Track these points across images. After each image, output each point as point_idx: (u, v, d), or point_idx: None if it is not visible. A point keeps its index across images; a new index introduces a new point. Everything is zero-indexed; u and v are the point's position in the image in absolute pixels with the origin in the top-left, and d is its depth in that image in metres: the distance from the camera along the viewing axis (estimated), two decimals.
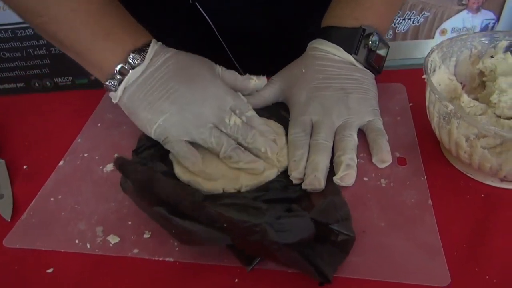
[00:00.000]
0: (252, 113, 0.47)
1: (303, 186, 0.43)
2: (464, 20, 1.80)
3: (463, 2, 1.75)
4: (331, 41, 0.51)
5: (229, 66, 0.51)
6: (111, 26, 0.45)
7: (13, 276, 0.39)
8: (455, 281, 0.35)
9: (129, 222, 0.42)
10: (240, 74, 0.63)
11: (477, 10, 1.78)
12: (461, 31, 1.84)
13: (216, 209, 0.34)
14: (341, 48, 0.51)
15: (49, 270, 0.39)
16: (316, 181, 0.42)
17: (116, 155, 0.50)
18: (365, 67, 0.52)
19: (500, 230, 0.39)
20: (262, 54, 0.65)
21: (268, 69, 0.56)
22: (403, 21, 1.81)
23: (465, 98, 0.44)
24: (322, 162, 0.43)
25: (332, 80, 0.50)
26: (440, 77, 0.47)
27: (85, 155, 0.50)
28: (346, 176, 0.43)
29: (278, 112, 0.53)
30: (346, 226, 0.38)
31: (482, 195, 0.42)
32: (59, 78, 2.13)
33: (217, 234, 0.35)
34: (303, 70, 0.51)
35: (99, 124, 0.55)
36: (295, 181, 0.44)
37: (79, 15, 0.43)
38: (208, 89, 0.45)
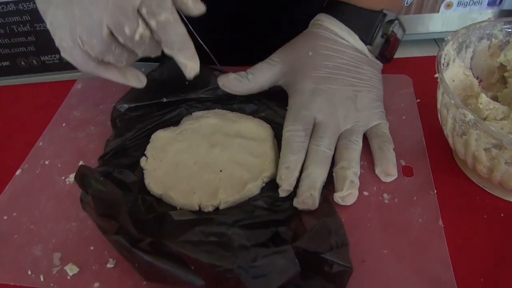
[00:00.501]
0: (166, 16, 0.30)
1: (295, 204, 0.37)
2: None
3: None
4: (344, 21, 0.44)
5: (202, 57, 0.42)
6: None
7: None
8: None
9: (91, 248, 0.36)
10: (215, 65, 0.54)
11: None
12: (467, 4, 1.74)
13: (182, 250, 0.28)
14: (356, 36, 0.43)
15: None
16: (311, 200, 0.36)
17: (81, 162, 0.43)
18: (375, 57, 0.45)
19: None
20: (239, 43, 0.57)
21: (246, 61, 0.48)
22: None
23: (483, 98, 0.38)
24: (320, 178, 0.37)
25: (341, 71, 0.43)
26: (454, 72, 0.40)
27: (46, 162, 0.44)
28: (349, 196, 0.37)
29: (267, 105, 0.47)
30: (342, 254, 0.32)
31: (502, 215, 0.36)
32: (46, 56, 2.04)
33: (187, 274, 0.29)
34: (310, 53, 0.44)
35: (63, 124, 0.48)
36: (282, 194, 0.38)
37: None
38: None
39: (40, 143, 0.46)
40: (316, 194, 0.36)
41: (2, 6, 1.85)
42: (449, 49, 0.38)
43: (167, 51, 0.32)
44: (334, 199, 0.37)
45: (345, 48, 0.43)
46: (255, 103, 0.47)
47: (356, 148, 0.39)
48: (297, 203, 0.37)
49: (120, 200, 0.33)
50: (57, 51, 0.60)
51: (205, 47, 0.53)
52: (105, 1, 0.30)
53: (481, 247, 0.34)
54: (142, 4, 0.30)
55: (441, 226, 0.35)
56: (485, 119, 0.38)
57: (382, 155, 0.39)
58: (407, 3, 1.75)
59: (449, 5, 1.74)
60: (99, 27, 0.31)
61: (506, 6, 1.75)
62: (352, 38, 0.43)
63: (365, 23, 0.43)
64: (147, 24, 0.31)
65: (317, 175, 0.37)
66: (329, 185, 0.39)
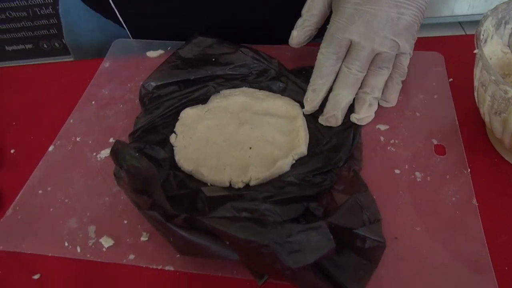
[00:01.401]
0: None
1: (320, 120, 0.42)
2: None
3: None
4: None
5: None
6: None
7: None
8: None
9: (125, 221, 0.37)
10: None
11: None
12: None
13: (217, 225, 0.28)
14: None
15: (36, 276, 0.34)
16: (334, 119, 0.42)
17: (111, 139, 0.44)
18: None
19: None
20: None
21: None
22: None
23: None
24: (346, 99, 0.41)
25: None
26: (492, 49, 0.39)
27: (77, 139, 0.45)
28: (365, 118, 0.42)
29: (295, 83, 0.46)
30: (375, 230, 0.32)
31: None
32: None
33: (221, 248, 0.29)
34: None
35: (93, 102, 0.49)
36: (306, 113, 0.43)
37: None
38: None
39: (71, 121, 0.47)
40: (339, 115, 0.41)
41: None
42: (488, 25, 0.37)
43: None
44: (351, 119, 0.42)
45: None
46: (283, 81, 0.47)
47: (384, 74, 0.41)
48: (322, 120, 0.42)
49: (154, 176, 0.33)
50: (77, 34, 0.59)
51: (121, 20, 0.55)
52: None
53: None
54: None
55: (475, 205, 0.35)
56: None
57: (390, 86, 0.43)
58: None
59: None
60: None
61: None
62: None
63: None
64: None
65: (343, 97, 0.41)
66: (358, 162, 0.39)
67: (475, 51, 0.34)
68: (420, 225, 0.34)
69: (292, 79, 0.47)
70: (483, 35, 0.37)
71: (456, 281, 0.31)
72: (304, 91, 0.44)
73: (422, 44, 0.50)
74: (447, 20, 1.76)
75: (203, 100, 0.46)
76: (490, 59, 0.39)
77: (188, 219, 0.29)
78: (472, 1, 1.72)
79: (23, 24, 1.84)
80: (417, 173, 0.38)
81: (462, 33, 1.80)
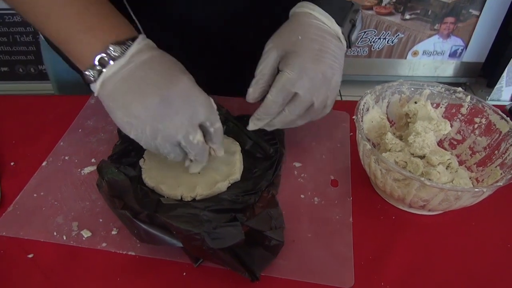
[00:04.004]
0: (218, 125, 0.48)
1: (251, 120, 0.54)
2: (435, 44, 1.92)
3: (435, 27, 1.88)
4: (323, 8, 0.51)
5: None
6: (93, 18, 0.44)
7: None
8: (357, 284, 0.44)
9: (100, 220, 0.50)
10: None
11: (448, 36, 1.90)
12: (431, 54, 1.96)
13: (168, 220, 0.42)
14: (333, 20, 0.51)
15: (30, 255, 0.46)
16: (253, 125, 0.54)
17: (93, 159, 0.57)
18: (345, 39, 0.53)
19: (399, 247, 0.48)
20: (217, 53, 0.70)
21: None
22: (379, 40, 1.92)
23: (389, 136, 0.54)
24: (275, 127, 0.53)
25: (324, 54, 0.50)
26: (373, 115, 0.56)
27: (66, 158, 0.58)
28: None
29: (237, 127, 0.61)
30: (278, 233, 0.47)
31: (393, 217, 0.52)
32: (43, 66, 2.17)
33: (170, 238, 0.43)
34: (299, 37, 0.50)
35: (79, 130, 0.62)
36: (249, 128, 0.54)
37: (59, 4, 0.43)
38: (184, 99, 0.45)
39: (61, 143, 0.60)
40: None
41: (9, 16, 2.02)
42: (368, 99, 0.54)
43: (211, 144, 0.50)
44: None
45: (327, 34, 0.50)
46: (229, 125, 0.62)
47: (301, 120, 0.52)
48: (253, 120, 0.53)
49: (128, 186, 0.47)
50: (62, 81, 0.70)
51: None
52: (181, 121, 0.44)
53: (375, 237, 0.49)
54: (206, 118, 0.46)
55: (351, 222, 0.50)
56: (389, 150, 0.54)
57: (284, 115, 0.51)
58: (378, 48, 1.96)
59: (415, 53, 1.96)
60: (173, 139, 0.45)
61: (465, 59, 1.98)
62: (330, 23, 0.51)
63: (340, 10, 0.51)
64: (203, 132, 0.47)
65: (274, 126, 0.53)
66: (276, 188, 0.53)
67: (353, 117, 0.51)
68: (311, 233, 0.49)
69: (236, 123, 0.62)
70: (364, 105, 0.54)
71: (329, 270, 0.46)
72: (244, 134, 0.60)
73: (336, 105, 0.67)
74: (391, 79, 2.01)
75: None
76: (372, 122, 0.56)
77: (149, 215, 0.43)
78: (412, 65, 1.99)
79: (1, 49, 1.96)
80: (315, 198, 0.53)
81: None
